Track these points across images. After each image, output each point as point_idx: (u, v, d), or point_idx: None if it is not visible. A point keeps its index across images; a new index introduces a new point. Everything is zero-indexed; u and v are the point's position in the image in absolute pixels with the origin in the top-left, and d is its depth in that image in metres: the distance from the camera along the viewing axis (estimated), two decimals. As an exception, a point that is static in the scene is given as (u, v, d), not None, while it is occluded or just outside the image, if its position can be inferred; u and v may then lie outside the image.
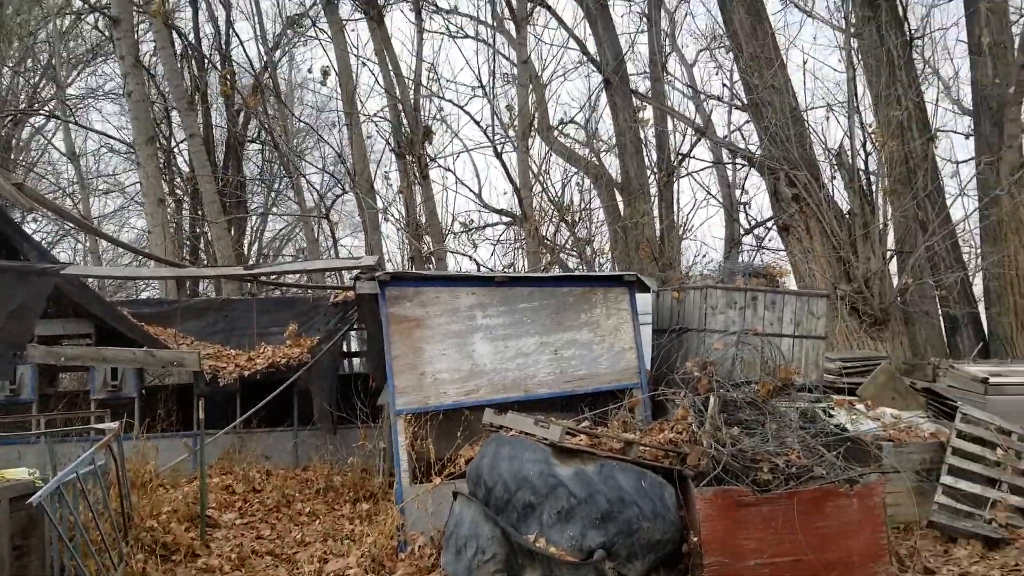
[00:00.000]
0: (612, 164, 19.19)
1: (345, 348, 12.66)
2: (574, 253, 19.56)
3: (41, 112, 20.32)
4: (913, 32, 15.01)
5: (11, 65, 19.51)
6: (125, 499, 7.55)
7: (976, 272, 14.24)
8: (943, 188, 14.43)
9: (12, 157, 19.75)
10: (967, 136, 15.09)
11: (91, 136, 21.82)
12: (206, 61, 17.78)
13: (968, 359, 12.08)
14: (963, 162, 16.14)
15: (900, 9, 14.90)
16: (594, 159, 19.32)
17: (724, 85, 20.13)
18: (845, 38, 13.63)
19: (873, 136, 13.50)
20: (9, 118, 18.99)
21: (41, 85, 20.32)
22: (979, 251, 14.05)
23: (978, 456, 7.73)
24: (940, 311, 13.90)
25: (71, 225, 18.94)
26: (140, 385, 11.42)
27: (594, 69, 18.74)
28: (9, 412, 10.99)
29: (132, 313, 12.02)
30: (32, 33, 19.37)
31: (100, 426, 7.95)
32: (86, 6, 17.54)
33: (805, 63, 29.10)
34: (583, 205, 19.74)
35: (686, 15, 21.73)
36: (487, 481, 6.52)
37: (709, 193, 20.15)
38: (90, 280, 13.10)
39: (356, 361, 13.52)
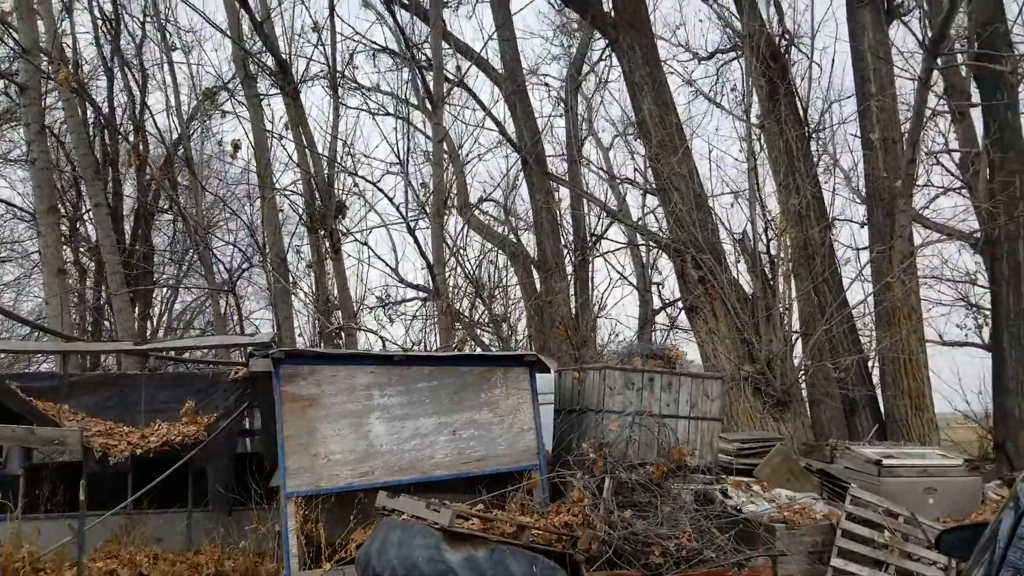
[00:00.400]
0: (530, 242, 19.53)
1: (247, 426, 12.31)
2: (489, 329, 19.63)
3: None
4: (811, 126, 15.81)
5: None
6: (-8, 587, 7.12)
7: (872, 355, 14.73)
8: (840, 274, 15.02)
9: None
10: (862, 225, 15.79)
11: (-6, 202, 21.19)
12: (119, 131, 17.58)
13: (864, 441, 12.40)
14: (862, 249, 16.84)
15: (799, 104, 15.71)
16: (511, 237, 19.61)
17: (636, 170, 20.75)
18: (746, 130, 14.24)
19: (773, 223, 14.05)
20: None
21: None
22: (874, 335, 14.58)
23: (866, 538, 7.89)
24: (839, 393, 14.28)
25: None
26: (25, 462, 10.86)
27: (512, 149, 19.15)
28: None
29: (22, 387, 11.49)
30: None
31: (-30, 509, 7.53)
32: (-7, 73, 17.24)
33: (711, 152, 30.38)
34: (499, 282, 19.95)
35: (601, 102, 22.39)
36: (376, 567, 6.36)
37: (622, 275, 20.56)
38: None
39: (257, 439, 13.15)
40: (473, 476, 8.07)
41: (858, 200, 17.91)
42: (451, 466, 7.96)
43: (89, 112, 17.42)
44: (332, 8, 15.60)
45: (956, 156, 16.46)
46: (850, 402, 14.54)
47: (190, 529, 10.63)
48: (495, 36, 17.47)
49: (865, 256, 15.07)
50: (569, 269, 18.37)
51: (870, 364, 15.12)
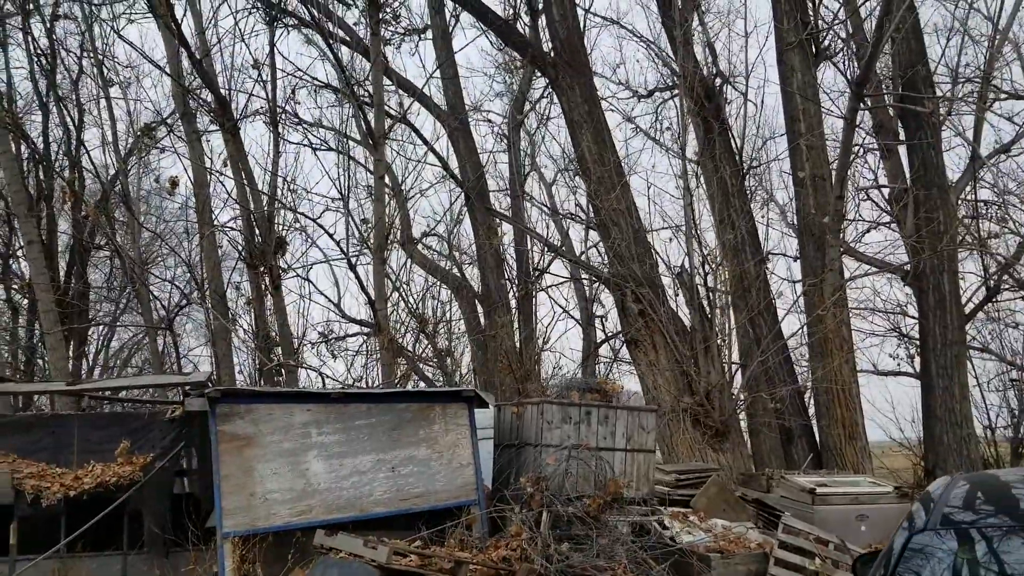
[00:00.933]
0: (474, 276, 19.67)
1: (184, 466, 12.11)
2: (433, 364, 19.62)
3: None
4: (747, 162, 16.28)
5: None
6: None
7: (807, 386, 15.09)
8: (775, 306, 15.40)
9: None
10: (795, 259, 16.24)
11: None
12: (54, 167, 17.32)
13: (799, 470, 12.67)
14: (796, 282, 17.31)
15: (733, 141, 16.18)
16: (455, 271, 19.71)
17: (577, 205, 21.07)
18: (682, 167, 14.60)
19: (710, 257, 14.38)
20: None
21: None
22: (808, 366, 14.95)
23: (798, 566, 8.07)
24: (776, 423, 14.57)
25: None
26: (-50, 507, 10.48)
27: (455, 184, 19.32)
28: None
29: (-52, 429, 11.17)
30: None
31: None
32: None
33: (649, 188, 30.96)
34: (443, 316, 20.00)
35: (543, 138, 22.68)
36: (313, 606, 6.34)
37: (565, 310, 20.75)
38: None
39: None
40: (412, 513, 8.08)
41: (793, 234, 18.45)
42: (390, 503, 7.95)
43: (23, 148, 17.14)
44: (272, 45, 15.70)
45: (885, 191, 17.07)
46: (787, 432, 14.85)
47: (125, 572, 10.39)
48: (437, 74, 17.67)
49: (799, 289, 15.50)
50: (512, 303, 18.50)
51: (805, 395, 15.50)
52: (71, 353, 16.26)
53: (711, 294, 14.18)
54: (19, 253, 18.22)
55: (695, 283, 14.05)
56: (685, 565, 7.56)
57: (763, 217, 16.82)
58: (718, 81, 16.84)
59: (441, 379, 18.60)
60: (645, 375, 14.47)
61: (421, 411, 8.32)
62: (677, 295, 14.88)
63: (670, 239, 17.30)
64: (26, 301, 18.26)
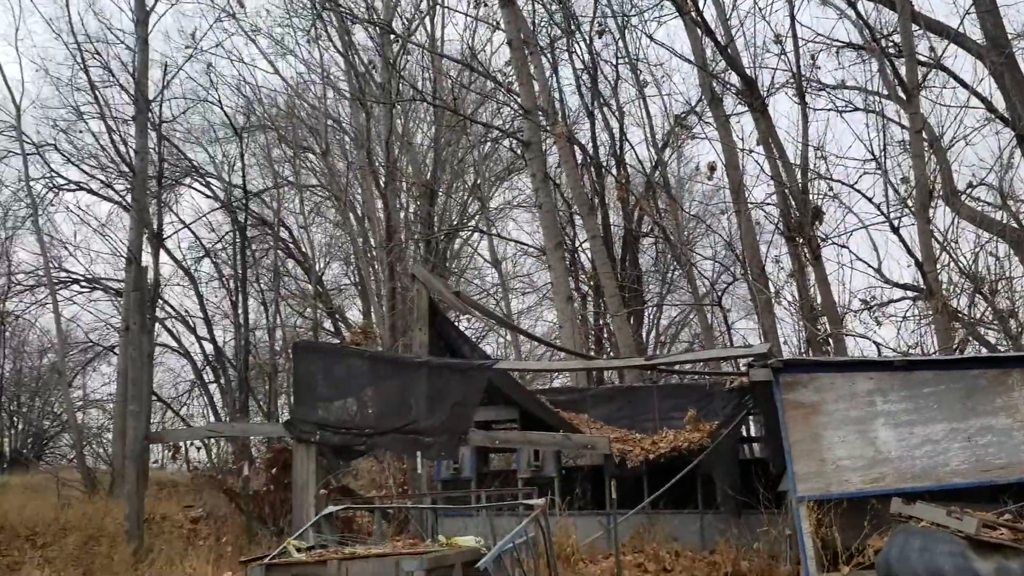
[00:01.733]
0: (1035, 225, 17.37)
1: (744, 433, 12.88)
2: (995, 327, 17.83)
3: (468, 227, 23.79)
4: None
5: (444, 189, 23.20)
6: (552, 569, 8.46)
7: None
8: None
9: (448, 266, 23.21)
10: None
11: (508, 243, 24.98)
12: (603, 167, 19.56)
13: None
14: None
15: None
16: (1012, 223, 17.63)
17: None
18: None
19: None
20: (444, 234, 22.49)
21: (468, 202, 23.83)
22: None
23: None
24: None
25: (494, 322, 21.70)
26: (559, 466, 12.54)
27: (1003, 126, 17.31)
28: (453, 488, 12.77)
29: (549, 400, 13.41)
30: (461, 160, 22.93)
31: (530, 502, 9.00)
32: (502, 133, 20.38)
33: None
34: (1002, 274, 18.03)
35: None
36: (897, 573, 6.39)
37: None
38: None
39: (756, 446, 13.64)
40: (995, 485, 7.61)
41: None
42: (968, 474, 7.59)
43: (577, 153, 19.64)
44: (792, 17, 15.71)
45: None
46: None
47: (703, 530, 11.45)
48: (972, 10, 16.02)
49: None
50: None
51: None
52: (631, 332, 18.23)
53: None
54: (581, 247, 20.95)
55: None
56: None
57: None
58: None
59: (1006, 343, 16.85)
60: None
61: (996, 378, 7.77)
62: None
63: None
64: (589, 290, 20.92)
